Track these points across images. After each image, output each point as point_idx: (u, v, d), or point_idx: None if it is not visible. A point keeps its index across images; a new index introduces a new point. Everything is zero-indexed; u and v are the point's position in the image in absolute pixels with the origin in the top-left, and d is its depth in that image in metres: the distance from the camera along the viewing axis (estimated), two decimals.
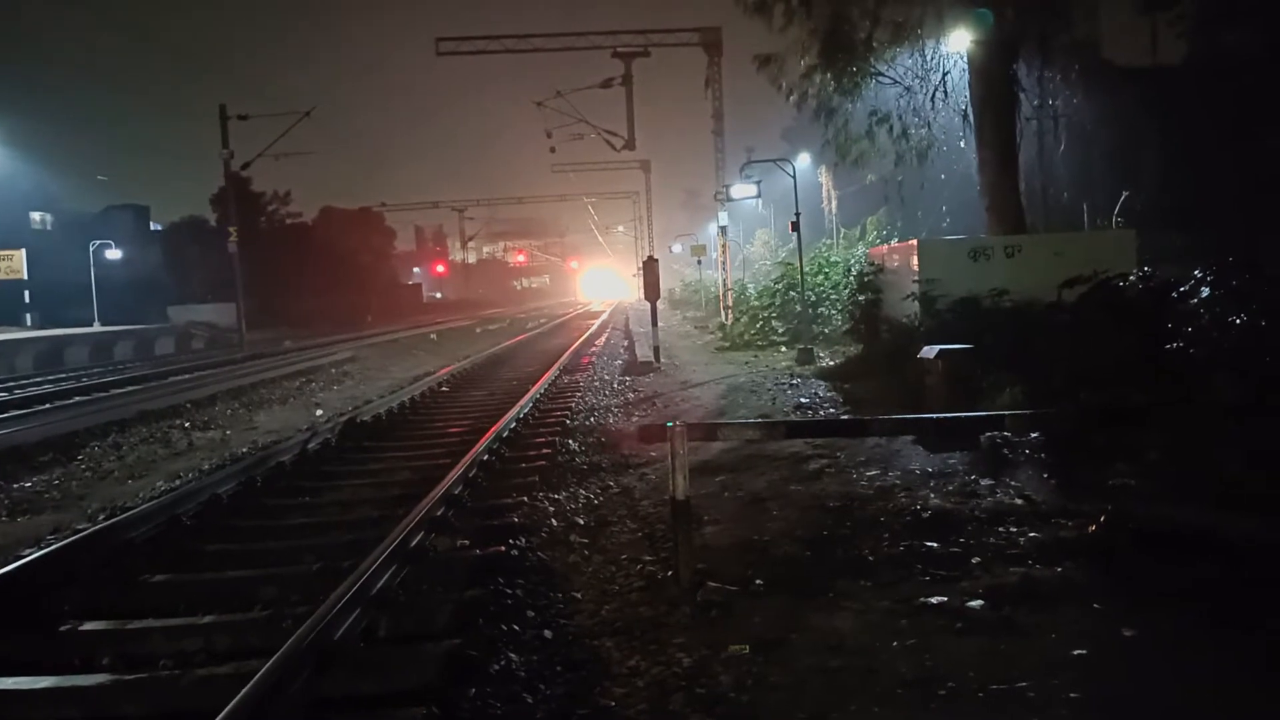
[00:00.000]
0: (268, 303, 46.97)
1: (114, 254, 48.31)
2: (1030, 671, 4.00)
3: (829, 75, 17.26)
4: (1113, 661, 4.11)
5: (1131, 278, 11.97)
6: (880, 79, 17.61)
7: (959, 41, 16.72)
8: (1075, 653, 4.18)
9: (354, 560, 5.60)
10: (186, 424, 14.08)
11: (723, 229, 31.66)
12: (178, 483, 9.33)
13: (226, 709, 3.53)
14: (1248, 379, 7.50)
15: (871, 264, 17.68)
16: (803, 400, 12.59)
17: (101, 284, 45.90)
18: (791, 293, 21.97)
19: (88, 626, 5.15)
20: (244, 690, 3.67)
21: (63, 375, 25.33)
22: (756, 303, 25.45)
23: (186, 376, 21.74)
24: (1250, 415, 6.40)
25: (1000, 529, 6.06)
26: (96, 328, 41.01)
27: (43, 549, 6.40)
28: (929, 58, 17.88)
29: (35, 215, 58.98)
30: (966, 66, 16.93)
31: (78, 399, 17.77)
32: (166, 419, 14.48)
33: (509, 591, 5.55)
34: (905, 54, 17.81)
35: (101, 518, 7.82)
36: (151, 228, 63.28)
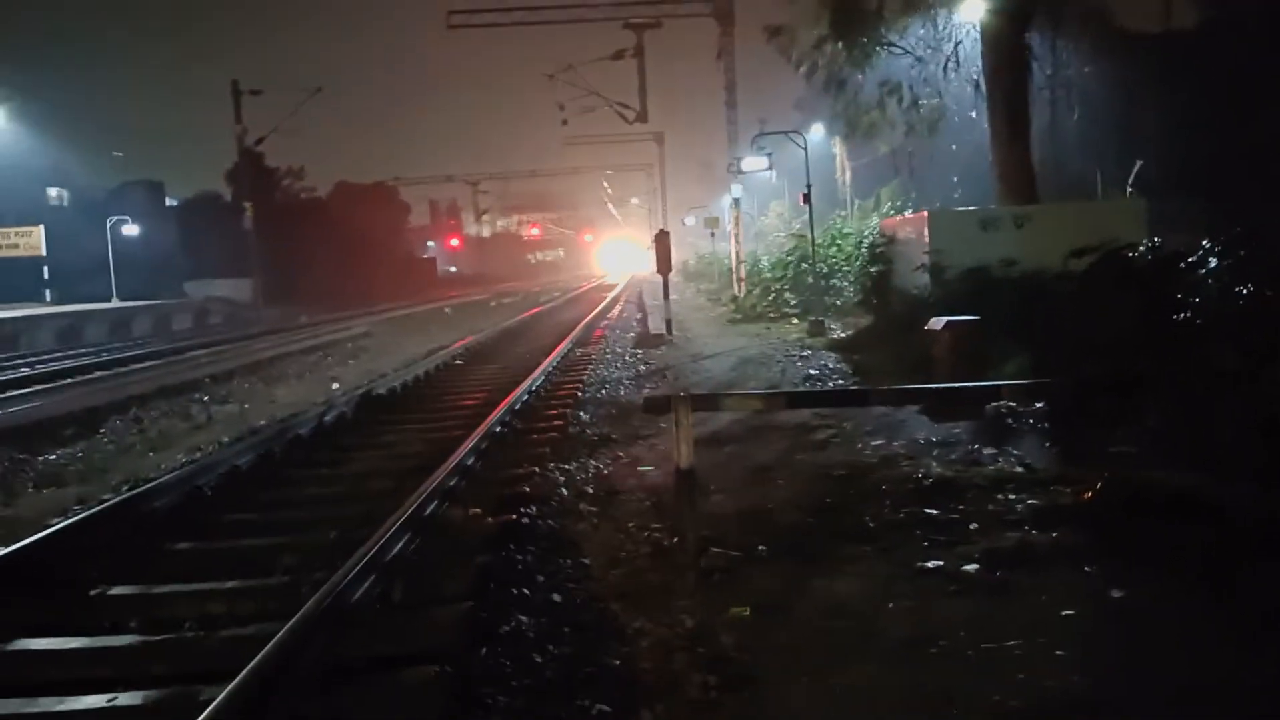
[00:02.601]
0: (283, 278, 47.23)
1: (130, 230, 48.61)
2: (1020, 631, 4.15)
3: (840, 46, 17.29)
4: (1099, 621, 4.26)
5: (1141, 248, 12.01)
6: (891, 49, 17.61)
7: (971, 11, 16.69)
8: (1064, 613, 4.33)
9: (369, 529, 5.77)
10: (205, 398, 14.30)
11: (735, 201, 31.64)
12: (198, 455, 9.53)
13: (248, 667, 3.71)
14: (1247, 348, 7.58)
15: (883, 235, 17.74)
16: (811, 372, 12.72)
17: (119, 260, 46.25)
18: (804, 265, 22.03)
19: (116, 591, 5.35)
20: (264, 650, 3.86)
21: (83, 351, 25.65)
22: (769, 275, 25.53)
23: (204, 352, 22.02)
24: (1247, 383, 6.48)
25: (999, 496, 6.20)
26: (115, 303, 41.43)
27: (69, 518, 6.60)
28: (941, 27, 17.87)
29: (52, 192, 59.32)
30: (979, 36, 16.89)
31: (98, 374, 18.04)
32: (186, 393, 14.71)
33: (520, 558, 5.72)
34: (917, 24, 17.80)
35: (125, 489, 8.03)
36: (167, 203, 63.61)
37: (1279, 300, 8.93)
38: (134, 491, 7.27)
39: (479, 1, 33.49)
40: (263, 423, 11.47)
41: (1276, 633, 4.07)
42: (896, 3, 17.15)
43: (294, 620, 4.19)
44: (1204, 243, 10.51)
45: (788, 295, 23.00)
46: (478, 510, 6.75)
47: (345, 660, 4.24)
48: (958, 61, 17.66)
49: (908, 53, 17.61)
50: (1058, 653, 3.94)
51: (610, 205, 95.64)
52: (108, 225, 46.69)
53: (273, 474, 8.38)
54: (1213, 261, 10.35)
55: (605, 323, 25.41)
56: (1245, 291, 9.67)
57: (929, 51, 17.75)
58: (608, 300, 36.82)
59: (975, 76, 17.38)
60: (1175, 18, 25.51)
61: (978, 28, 16.82)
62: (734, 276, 30.28)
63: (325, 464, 8.85)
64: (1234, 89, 21.67)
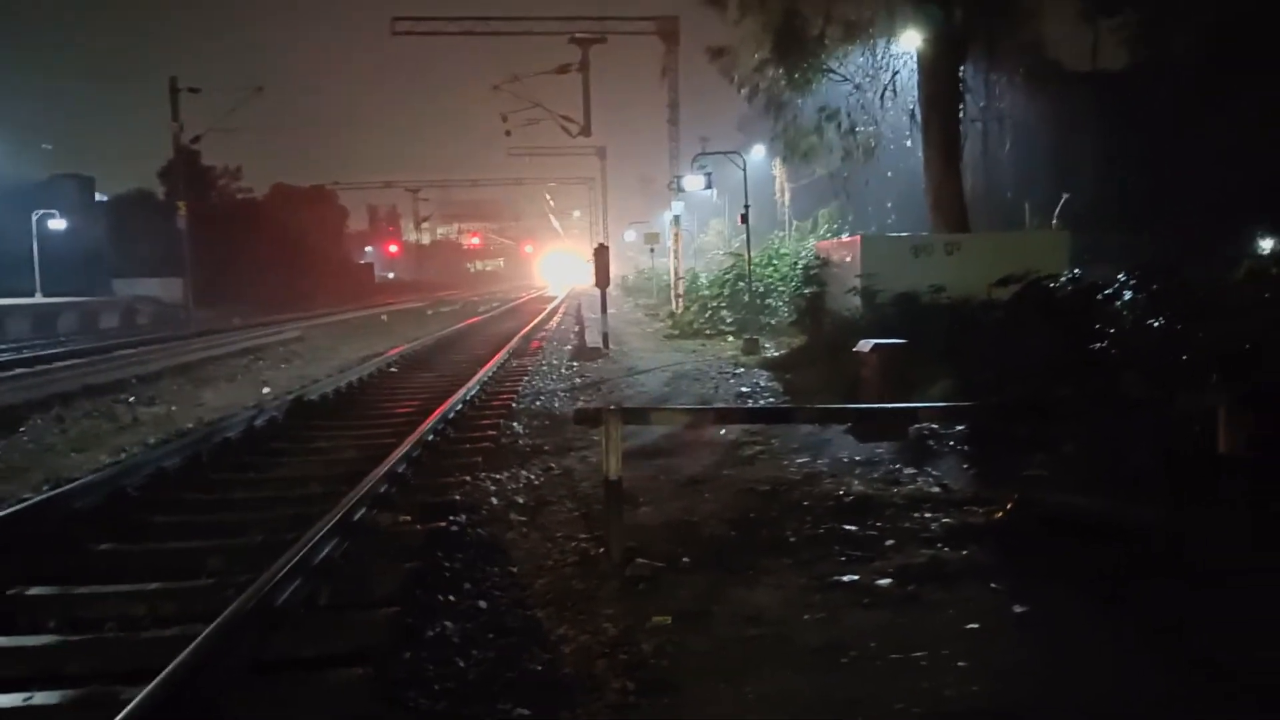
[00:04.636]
0: (216, 279, 46.42)
1: (57, 224, 47.37)
2: (926, 642, 4.33)
3: (781, 70, 17.61)
4: (1001, 634, 4.46)
5: (1063, 278, 12.44)
6: (831, 75, 17.99)
7: (909, 41, 17.13)
8: (968, 626, 4.52)
9: (297, 533, 5.79)
10: (132, 399, 14.05)
11: (676, 219, 31.95)
12: (123, 456, 9.40)
13: (169, 667, 3.74)
14: (1156, 377, 7.93)
15: (818, 258, 18.10)
16: (743, 389, 12.93)
17: (44, 255, 45.05)
18: (740, 284, 22.33)
19: (34, 591, 5.30)
20: (186, 650, 3.88)
21: (3, 346, 24.99)
22: (706, 292, 25.80)
23: (132, 351, 21.59)
24: (1155, 412, 6.79)
25: (915, 514, 6.42)
26: (38, 299, 40.32)
27: None
28: (879, 56, 18.30)
29: None
30: (916, 66, 17.36)
31: (19, 370, 17.60)
32: (111, 393, 14.44)
33: (448, 565, 5.77)
34: (856, 52, 18.21)
35: (46, 488, 7.89)
36: (97, 199, 62.14)
37: (1189, 332, 9.36)
38: (55, 491, 7.17)
39: (425, 9, 33.46)
40: (190, 425, 11.33)
41: (1169, 645, 4.31)
42: (837, 30, 17.53)
43: (217, 621, 4.22)
44: (1119, 275, 10.97)
45: (724, 313, 23.26)
46: (407, 517, 6.79)
47: (269, 661, 4.28)
48: (894, 90, 18.12)
49: (847, 80, 18.03)
50: (960, 664, 4.12)
51: (552, 218, 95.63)
52: (33, 219, 45.44)
53: (200, 477, 8.31)
54: (1127, 294, 10.81)
55: (542, 335, 25.44)
56: (1157, 324, 10.11)
57: (867, 79, 18.19)
58: (546, 312, 36.83)
59: (911, 106, 17.84)
60: (1103, 59, 26.46)
61: (915, 59, 17.29)
62: (673, 292, 30.53)
63: (254, 468, 8.80)
64: (1158, 129, 22.55)
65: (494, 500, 7.37)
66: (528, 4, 32.84)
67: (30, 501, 6.83)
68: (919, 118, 17.31)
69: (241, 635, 4.24)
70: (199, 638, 4.01)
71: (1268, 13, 19.81)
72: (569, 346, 21.11)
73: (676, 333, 23.65)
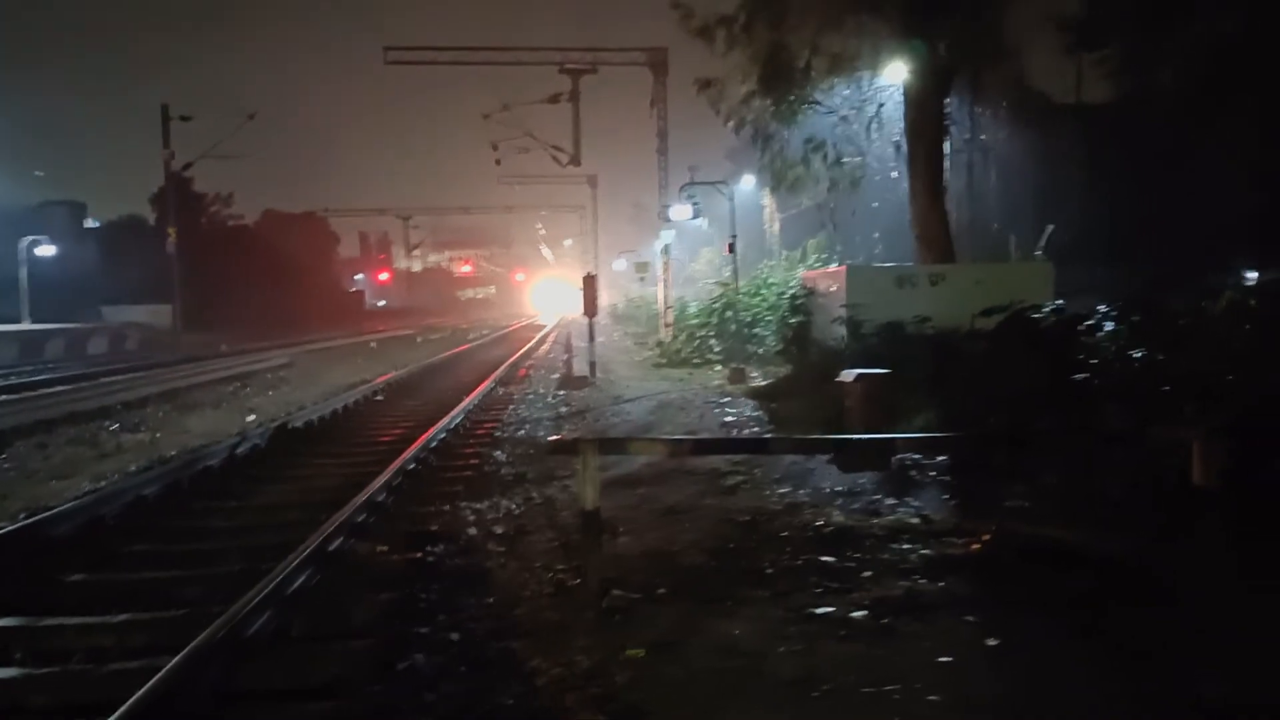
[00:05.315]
0: (206, 306, 46.31)
1: (47, 250, 47.19)
2: (899, 675, 4.31)
3: (768, 101, 17.68)
4: (973, 667, 4.44)
5: (1046, 309, 12.49)
6: (817, 107, 18.06)
7: (895, 74, 17.26)
8: (941, 659, 4.50)
9: (273, 563, 5.75)
10: (116, 426, 14.00)
11: (665, 248, 32.02)
12: (103, 484, 9.35)
13: (132, 699, 3.70)
14: (1136, 409, 7.96)
15: (804, 287, 18.14)
16: (728, 418, 12.93)
17: (33, 280, 44.85)
18: (728, 312, 22.37)
19: (2, 623, 5.24)
20: (150, 682, 3.85)
21: None
22: (695, 321, 25.83)
23: (119, 378, 21.49)
24: (1132, 443, 6.81)
25: (894, 545, 6.40)
26: (26, 325, 40.14)
27: None
28: (865, 89, 18.40)
29: None
30: (901, 98, 17.47)
31: (4, 398, 17.51)
32: (96, 420, 14.38)
33: (423, 596, 5.74)
34: (842, 84, 18.30)
35: (23, 516, 7.84)
36: (89, 225, 62.12)
37: (1169, 364, 9.40)
38: (31, 519, 7.12)
39: (416, 38, 33.73)
40: (173, 452, 11.28)
41: (1141, 676, 4.30)
42: (824, 62, 17.62)
43: (184, 653, 4.18)
44: (1100, 307, 11.03)
45: (712, 342, 23.26)
46: (384, 547, 6.76)
47: (236, 694, 4.24)
48: (880, 122, 18.21)
49: (832, 111, 18.09)
50: (931, 697, 4.10)
51: (543, 246, 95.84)
52: (22, 245, 45.33)
53: (179, 504, 8.27)
54: (1109, 325, 10.86)
55: (530, 363, 25.45)
56: (1138, 355, 10.16)
57: (853, 111, 18.27)
58: (535, 340, 36.86)
59: (896, 137, 17.93)
60: (1088, 92, 26.72)
61: (900, 91, 17.42)
62: (661, 321, 30.57)
63: (235, 496, 8.76)
64: (1143, 160, 22.75)
65: (472, 530, 7.33)
66: (519, 34, 33.14)
67: (3, 530, 6.78)
68: (904, 149, 17.40)
69: (207, 668, 4.20)
70: (161, 670, 3.98)
71: (1252, 47, 20.06)
72: (556, 375, 21.10)
73: (664, 361, 23.66)
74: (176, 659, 4.10)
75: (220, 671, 4.29)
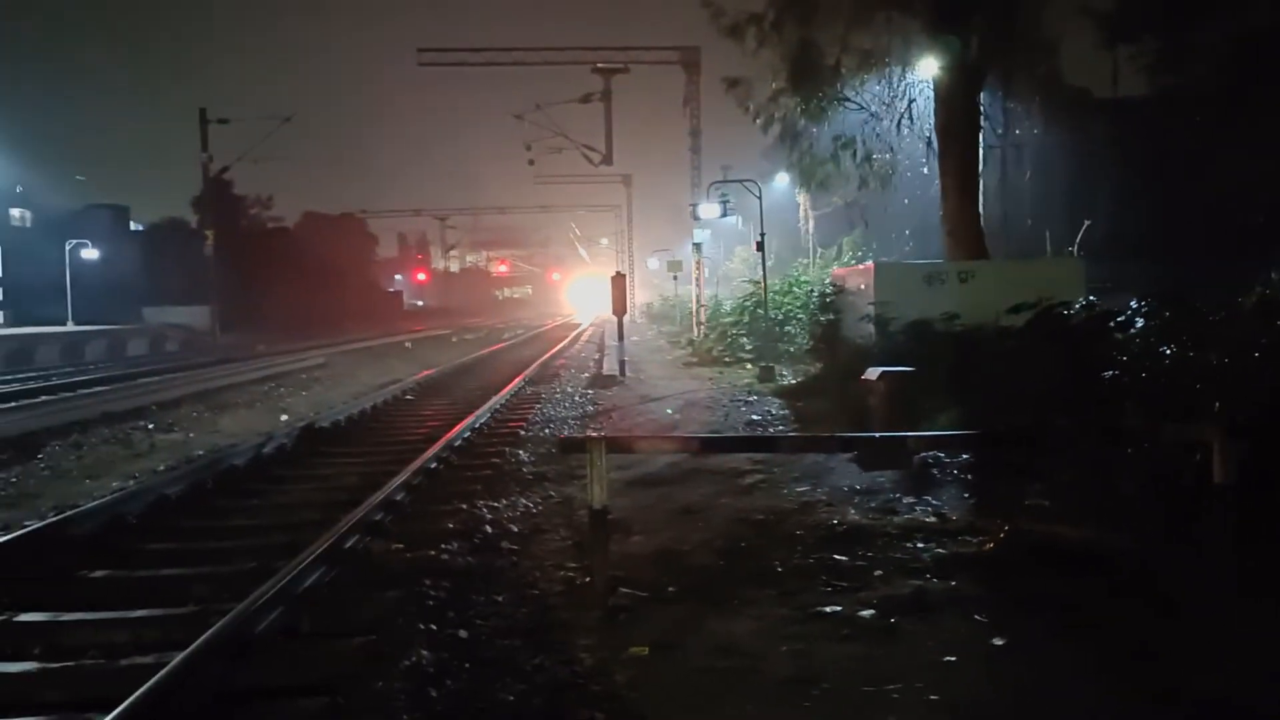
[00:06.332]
0: (245, 306, 46.99)
1: (91, 253, 48.20)
2: (899, 674, 4.28)
3: (797, 99, 17.59)
4: (976, 667, 4.40)
5: (1076, 305, 12.32)
6: (846, 104, 17.94)
7: (925, 69, 17.08)
8: (945, 659, 4.46)
9: (287, 560, 5.82)
10: (150, 425, 14.21)
11: (697, 246, 32.01)
12: (131, 483, 9.50)
13: (134, 695, 3.76)
14: (1163, 406, 7.82)
15: (833, 285, 18.03)
16: (754, 417, 12.89)
17: (77, 283, 45.84)
18: (760, 310, 22.31)
19: (23, 618, 5.35)
20: (153, 679, 3.91)
21: (30, 374, 25.37)
22: (728, 319, 25.78)
23: (155, 379, 21.85)
24: (1148, 443, 6.70)
25: (908, 544, 6.36)
26: (69, 327, 40.94)
27: None
28: (895, 85, 18.23)
29: (15, 212, 58.92)
30: (932, 94, 17.30)
31: (44, 398, 17.87)
32: (130, 420, 14.61)
33: (433, 594, 5.77)
34: (872, 81, 18.16)
35: (52, 515, 7.99)
36: (132, 228, 63.26)
37: (1199, 361, 9.24)
38: (57, 518, 7.26)
39: (449, 40, 33.98)
40: (201, 452, 11.44)
41: (1144, 676, 4.23)
42: (853, 60, 17.51)
43: (189, 650, 4.24)
44: (1130, 303, 10.85)
45: (744, 340, 23.21)
46: (399, 545, 6.81)
47: (238, 690, 4.29)
48: (911, 118, 18.03)
49: (862, 108, 17.95)
50: (931, 696, 4.07)
51: (578, 245, 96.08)
52: (66, 248, 46.26)
53: (202, 503, 8.38)
54: (1139, 322, 10.69)
55: (561, 362, 25.52)
56: (1169, 352, 9.99)
57: (883, 107, 18.11)
58: (569, 339, 36.95)
59: (927, 133, 17.75)
60: (1124, 85, 26.32)
61: (931, 86, 17.25)
62: (694, 320, 30.56)
63: (257, 494, 8.87)
64: (1178, 157, 22.38)
65: (488, 528, 7.36)
66: (551, 35, 33.24)
67: (30, 528, 6.92)
68: (935, 146, 17.23)
69: (211, 664, 4.26)
70: (167, 666, 4.04)
71: None
72: (586, 374, 21.16)
73: (695, 360, 23.65)
74: (179, 657, 4.16)
75: (222, 669, 4.35)
